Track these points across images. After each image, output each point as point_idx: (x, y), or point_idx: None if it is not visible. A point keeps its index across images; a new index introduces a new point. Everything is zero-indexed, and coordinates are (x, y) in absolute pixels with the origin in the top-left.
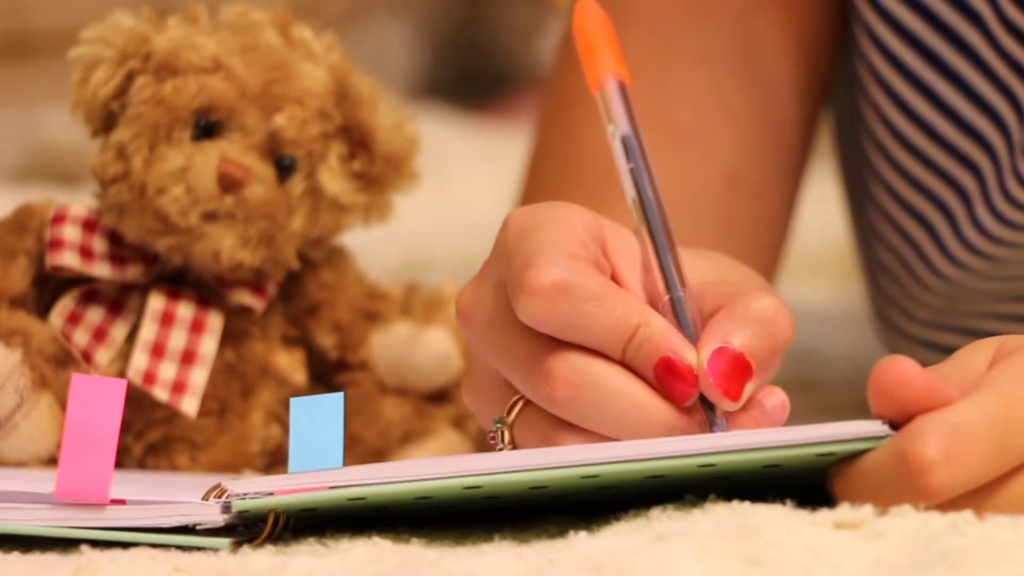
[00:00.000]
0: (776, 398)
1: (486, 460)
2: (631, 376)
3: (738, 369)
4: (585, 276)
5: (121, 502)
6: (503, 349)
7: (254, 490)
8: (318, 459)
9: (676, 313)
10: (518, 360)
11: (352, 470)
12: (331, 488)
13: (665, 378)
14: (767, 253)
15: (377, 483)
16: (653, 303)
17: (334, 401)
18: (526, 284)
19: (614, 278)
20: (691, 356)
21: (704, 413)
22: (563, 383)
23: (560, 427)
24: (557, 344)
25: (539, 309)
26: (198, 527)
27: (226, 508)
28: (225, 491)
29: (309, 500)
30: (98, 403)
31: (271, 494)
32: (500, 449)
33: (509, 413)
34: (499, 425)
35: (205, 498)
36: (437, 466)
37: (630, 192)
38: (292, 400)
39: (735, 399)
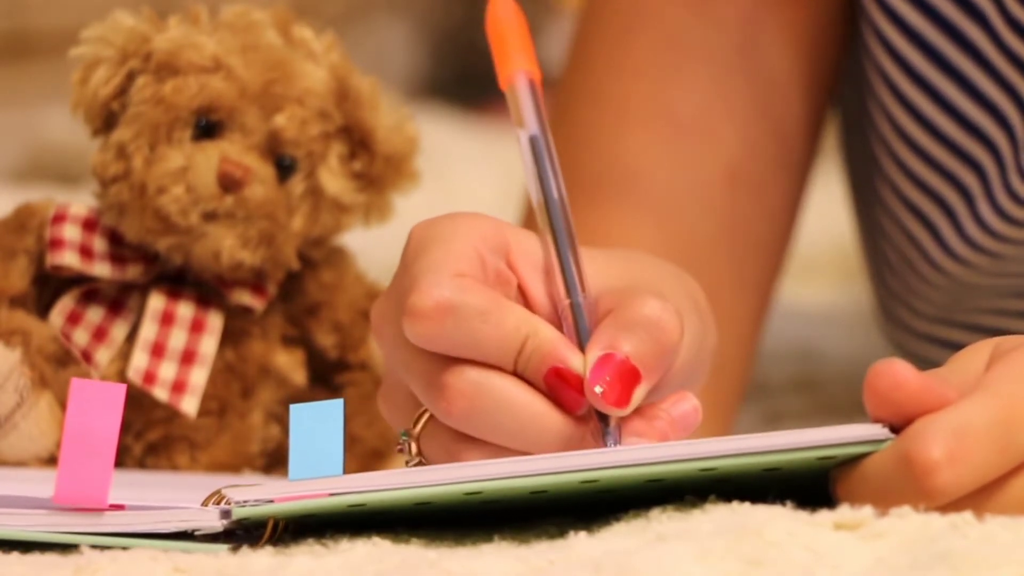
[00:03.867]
0: (687, 404)
1: (485, 467)
2: (526, 387)
3: (624, 375)
4: (469, 293)
5: (120, 507)
6: (405, 363)
7: (254, 497)
8: (318, 466)
9: (575, 319)
10: (417, 374)
11: (352, 478)
12: (331, 495)
13: (555, 388)
14: (770, 250)
15: (377, 490)
16: (557, 309)
17: (334, 408)
18: (409, 307)
19: (519, 286)
20: (579, 364)
21: (596, 421)
22: (459, 397)
23: (462, 441)
24: (451, 360)
25: (424, 331)
26: (197, 533)
27: (225, 514)
28: (224, 497)
29: (309, 507)
30: (97, 408)
31: (271, 501)
32: (408, 462)
33: (415, 425)
34: (405, 437)
35: (204, 504)
36: (437, 473)
37: (535, 194)
38: (292, 407)
39: (621, 406)
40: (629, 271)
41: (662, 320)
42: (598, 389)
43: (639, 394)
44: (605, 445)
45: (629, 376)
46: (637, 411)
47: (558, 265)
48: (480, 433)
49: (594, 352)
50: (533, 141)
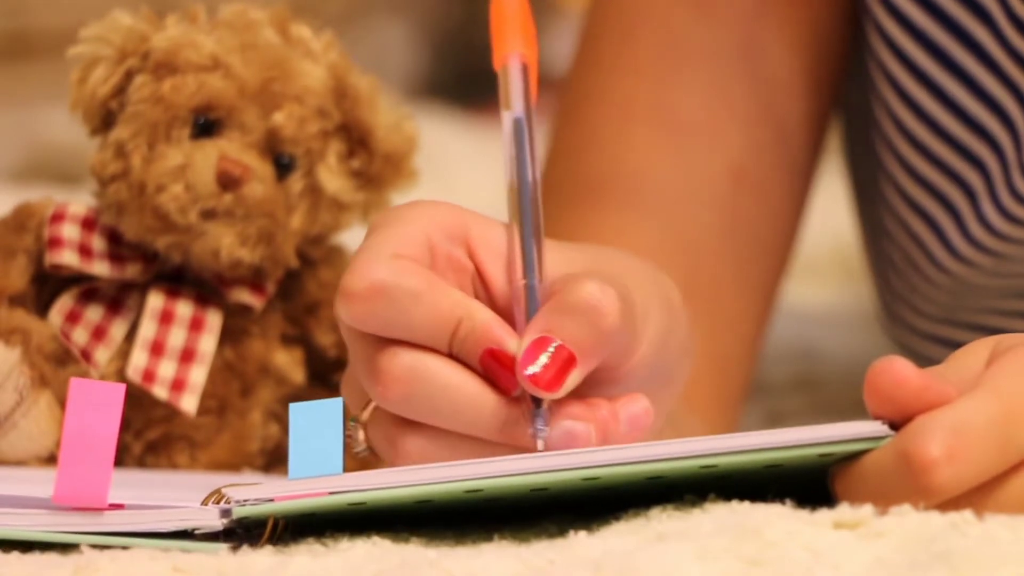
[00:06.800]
0: (637, 405)
1: (486, 464)
2: (461, 369)
3: (558, 359)
4: (404, 275)
5: (119, 507)
6: (350, 348)
7: (254, 496)
8: (318, 465)
9: (527, 300)
10: (357, 358)
11: (352, 476)
12: (331, 494)
13: (490, 369)
14: (774, 250)
15: (377, 488)
16: (518, 295)
17: (333, 406)
18: (343, 288)
19: (480, 274)
20: (515, 346)
21: (528, 403)
22: (394, 381)
23: (401, 426)
24: (387, 343)
25: (355, 312)
26: (196, 532)
27: (224, 513)
28: (224, 496)
29: (309, 506)
30: (96, 408)
31: (271, 500)
32: (356, 450)
33: (363, 411)
34: (354, 423)
35: (204, 503)
36: (437, 471)
37: (510, 176)
38: (291, 405)
39: (553, 389)
40: (595, 262)
41: (601, 304)
42: (529, 372)
43: (573, 378)
44: (535, 427)
45: (563, 360)
46: (577, 397)
47: (520, 247)
48: (417, 415)
49: (530, 335)
50: (516, 124)
